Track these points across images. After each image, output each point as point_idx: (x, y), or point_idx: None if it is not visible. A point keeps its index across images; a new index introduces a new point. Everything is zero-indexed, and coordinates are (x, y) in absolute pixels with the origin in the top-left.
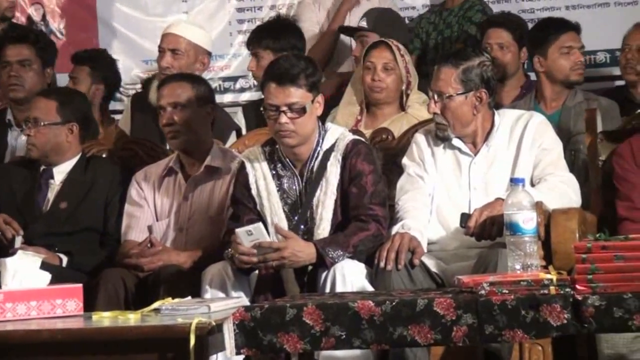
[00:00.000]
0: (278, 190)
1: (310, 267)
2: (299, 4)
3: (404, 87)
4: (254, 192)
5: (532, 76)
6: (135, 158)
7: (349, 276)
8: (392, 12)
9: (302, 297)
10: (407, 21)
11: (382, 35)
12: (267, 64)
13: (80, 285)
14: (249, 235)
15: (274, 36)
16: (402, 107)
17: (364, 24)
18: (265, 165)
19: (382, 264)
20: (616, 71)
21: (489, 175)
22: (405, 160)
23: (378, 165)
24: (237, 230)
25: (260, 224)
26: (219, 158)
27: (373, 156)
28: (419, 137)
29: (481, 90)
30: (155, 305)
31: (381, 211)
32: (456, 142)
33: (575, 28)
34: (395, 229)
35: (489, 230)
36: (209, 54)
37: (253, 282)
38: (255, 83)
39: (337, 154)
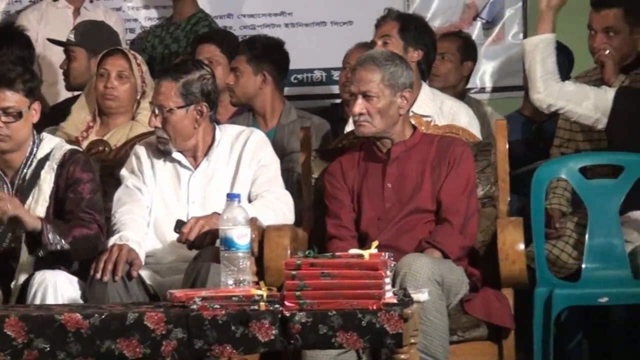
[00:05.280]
0: None
1: (19, 280)
2: (20, 15)
3: (138, 97)
4: None
5: None
6: None
7: (61, 288)
8: (103, 26)
9: (4, 308)
10: (136, 33)
11: (89, 49)
12: None
13: None
14: None
15: None
16: (134, 117)
17: (72, 37)
18: None
19: (98, 275)
20: (333, 89)
21: (208, 190)
22: (123, 172)
23: (97, 176)
24: None
25: None
26: None
27: (91, 166)
28: (139, 149)
29: (202, 103)
30: None
31: (100, 218)
32: (177, 155)
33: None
34: (113, 240)
35: (202, 239)
36: None
37: None
38: None
39: (52, 162)
